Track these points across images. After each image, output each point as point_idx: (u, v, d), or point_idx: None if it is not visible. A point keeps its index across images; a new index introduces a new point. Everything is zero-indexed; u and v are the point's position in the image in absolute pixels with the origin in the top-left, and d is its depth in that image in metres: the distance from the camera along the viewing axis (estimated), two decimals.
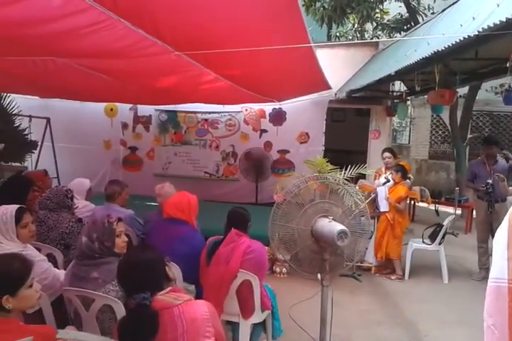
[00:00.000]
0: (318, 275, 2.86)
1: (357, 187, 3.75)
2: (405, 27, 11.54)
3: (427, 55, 3.64)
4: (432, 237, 5.59)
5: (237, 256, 3.04)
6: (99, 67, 3.78)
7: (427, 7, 11.39)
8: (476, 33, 2.72)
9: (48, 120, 7.17)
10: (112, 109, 7.95)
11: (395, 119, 10.36)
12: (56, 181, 6.92)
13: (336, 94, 7.11)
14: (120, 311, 2.26)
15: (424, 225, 5.98)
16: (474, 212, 6.54)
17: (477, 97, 9.44)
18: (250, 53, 3.02)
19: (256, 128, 7.70)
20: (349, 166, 5.27)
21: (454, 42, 3.10)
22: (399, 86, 8.85)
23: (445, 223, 5.55)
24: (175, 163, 8.08)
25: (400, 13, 12.09)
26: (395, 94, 7.94)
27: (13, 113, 6.73)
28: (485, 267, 5.32)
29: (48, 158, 7.21)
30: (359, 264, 5.52)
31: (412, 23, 10.65)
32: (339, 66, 7.24)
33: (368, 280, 5.42)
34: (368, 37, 13.14)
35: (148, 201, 5.27)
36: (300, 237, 2.82)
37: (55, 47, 3.00)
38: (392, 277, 5.49)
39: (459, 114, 9.26)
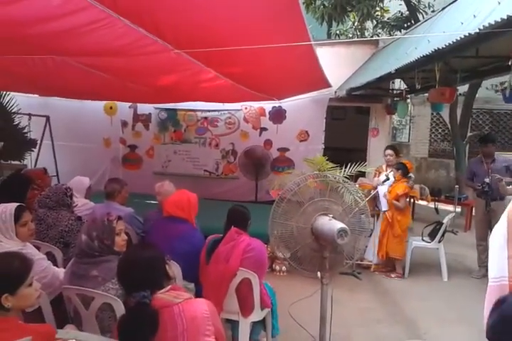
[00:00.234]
0: (318, 274, 2.86)
1: (357, 185, 3.75)
2: (405, 25, 11.50)
3: (428, 53, 3.63)
4: (432, 235, 5.59)
5: (236, 254, 3.04)
6: (99, 65, 3.78)
7: (427, 5, 11.35)
8: (477, 30, 2.71)
9: (48, 118, 7.16)
10: (111, 107, 7.94)
11: (395, 117, 10.34)
12: (56, 179, 6.92)
13: (335, 92, 7.10)
14: (120, 309, 2.26)
15: (423, 223, 5.97)
16: (474, 210, 6.54)
17: (477, 95, 9.44)
18: (251, 52, 3.02)
19: (256, 126, 7.69)
20: (349, 164, 5.28)
21: (454, 40, 3.08)
22: (399, 84, 8.83)
23: (445, 221, 5.55)
24: (174, 161, 8.07)
25: (400, 11, 12.05)
26: (395, 92, 7.92)
27: (13, 111, 6.73)
28: (484, 265, 5.32)
29: (48, 156, 7.21)
30: (359, 262, 5.52)
31: (413, 21, 10.62)
32: (339, 64, 7.23)
33: (368, 279, 5.42)
34: (368, 35, 13.10)
35: (148, 199, 5.26)
36: (300, 235, 2.82)
37: (55, 46, 3.00)
38: (392, 275, 5.49)
39: (458, 112, 9.25)
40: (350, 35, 13.44)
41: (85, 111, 7.77)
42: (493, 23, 2.56)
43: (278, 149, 7.62)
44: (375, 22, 12.59)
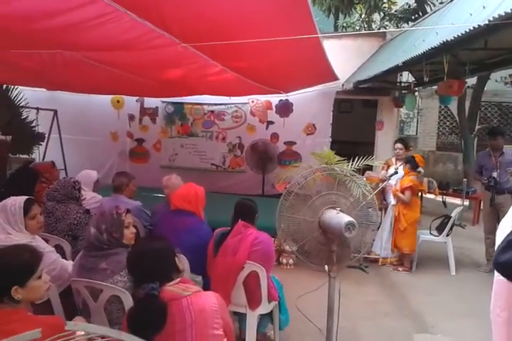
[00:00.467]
0: (326, 267, 2.86)
1: (364, 179, 3.74)
2: (413, 17, 11.41)
3: (436, 45, 3.60)
4: (440, 229, 5.57)
5: (244, 247, 3.05)
6: (106, 59, 3.78)
7: None
8: (487, 22, 2.68)
9: (55, 112, 7.19)
10: (118, 101, 7.95)
11: (403, 110, 10.29)
12: (63, 173, 6.95)
13: (343, 85, 7.05)
14: (128, 302, 2.27)
15: (431, 217, 5.95)
16: (482, 204, 6.51)
17: (486, 88, 9.35)
18: (257, 45, 3.00)
19: (262, 119, 7.68)
20: (356, 158, 5.26)
21: (463, 32, 3.06)
22: (407, 76, 8.77)
23: (453, 214, 5.52)
24: (181, 154, 8.09)
25: (407, 3, 11.95)
26: (402, 84, 7.87)
27: (21, 105, 6.76)
28: (493, 258, 5.29)
29: (55, 149, 7.25)
30: (366, 256, 5.51)
31: (420, 13, 10.53)
32: (346, 57, 7.19)
33: (375, 272, 5.42)
34: (376, 27, 13.02)
35: (155, 193, 5.28)
36: (307, 229, 2.81)
37: (63, 40, 3.00)
38: (400, 269, 5.49)
39: (467, 104, 9.18)
40: (357, 28, 13.36)
41: (92, 105, 7.79)
42: (502, 14, 2.53)
43: (285, 142, 7.60)
44: (382, 14, 12.50)
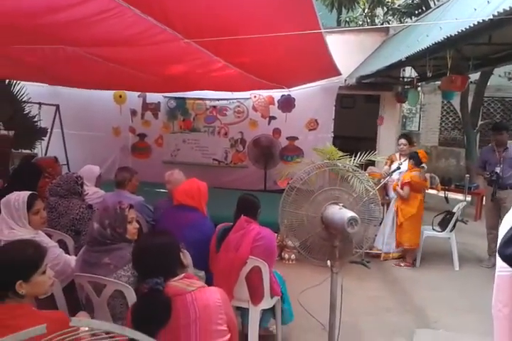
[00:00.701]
0: (328, 262, 2.86)
1: (366, 174, 3.73)
2: (416, 12, 11.36)
3: (439, 40, 3.57)
4: (442, 224, 5.57)
5: (246, 242, 3.05)
6: (109, 55, 3.77)
7: None
8: (491, 17, 2.66)
9: (58, 107, 7.18)
10: (120, 96, 7.94)
11: (405, 106, 10.26)
12: (66, 168, 6.96)
13: (345, 80, 7.03)
14: (131, 297, 2.28)
15: (433, 212, 5.95)
16: (484, 199, 6.51)
17: (488, 83, 9.32)
18: (260, 40, 2.99)
19: (265, 114, 7.66)
20: (358, 153, 5.25)
21: (467, 27, 3.03)
22: (410, 72, 8.74)
23: (455, 210, 5.52)
24: (183, 150, 8.08)
25: None
26: (405, 80, 7.84)
27: (23, 100, 6.76)
28: (494, 254, 5.28)
29: (58, 145, 7.25)
30: (368, 251, 5.51)
31: (424, 8, 10.48)
32: (349, 52, 7.16)
33: (377, 267, 5.44)
34: (379, 22, 12.98)
35: (157, 188, 5.28)
36: (310, 224, 2.82)
37: (65, 36, 2.99)
38: (402, 264, 5.50)
39: (470, 100, 9.15)
40: (360, 23, 13.31)
41: (95, 100, 7.77)
42: (507, 9, 2.51)
43: (287, 138, 7.58)
44: (385, 9, 12.44)
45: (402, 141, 5.78)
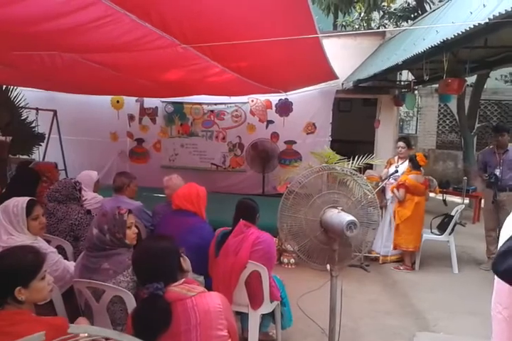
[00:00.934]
0: (327, 266, 2.86)
1: (365, 178, 3.74)
2: (412, 15, 11.40)
3: (436, 44, 3.59)
4: (441, 227, 5.57)
5: (246, 247, 3.05)
6: (106, 61, 3.77)
7: None
8: (487, 20, 2.68)
9: (55, 112, 7.18)
10: (118, 101, 7.94)
11: (402, 109, 10.27)
12: (64, 173, 6.95)
13: (342, 84, 7.05)
14: (130, 302, 2.28)
15: (431, 215, 5.95)
16: (482, 201, 6.52)
17: (485, 86, 9.35)
18: (257, 45, 3.00)
19: (262, 119, 7.67)
20: (356, 156, 5.26)
21: (463, 30, 3.05)
22: (406, 75, 8.76)
23: (454, 213, 5.53)
24: (182, 154, 8.07)
25: (406, 2, 11.95)
26: (402, 83, 7.86)
27: (20, 105, 6.75)
28: (493, 256, 5.29)
29: (55, 150, 7.25)
30: (367, 254, 5.51)
31: (420, 12, 10.53)
32: (346, 56, 7.17)
33: (376, 271, 5.43)
34: (375, 26, 13.02)
35: (156, 193, 5.28)
36: (309, 228, 2.82)
37: (63, 43, 2.99)
38: (401, 267, 5.49)
39: (466, 103, 9.18)
40: (357, 26, 13.35)
41: (92, 105, 7.77)
42: (503, 12, 2.52)
43: (285, 142, 7.59)
44: (381, 13, 12.49)
45: (401, 143, 5.79)
